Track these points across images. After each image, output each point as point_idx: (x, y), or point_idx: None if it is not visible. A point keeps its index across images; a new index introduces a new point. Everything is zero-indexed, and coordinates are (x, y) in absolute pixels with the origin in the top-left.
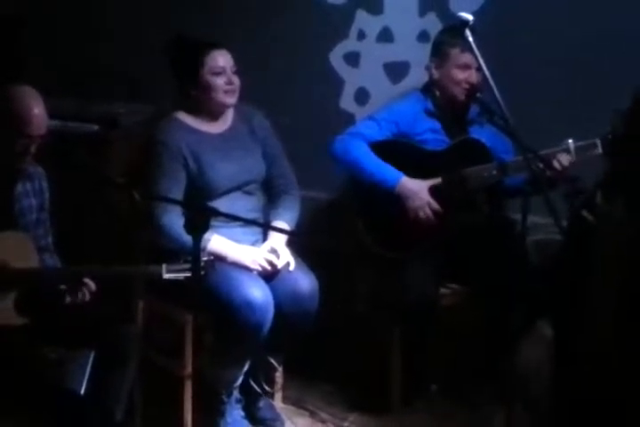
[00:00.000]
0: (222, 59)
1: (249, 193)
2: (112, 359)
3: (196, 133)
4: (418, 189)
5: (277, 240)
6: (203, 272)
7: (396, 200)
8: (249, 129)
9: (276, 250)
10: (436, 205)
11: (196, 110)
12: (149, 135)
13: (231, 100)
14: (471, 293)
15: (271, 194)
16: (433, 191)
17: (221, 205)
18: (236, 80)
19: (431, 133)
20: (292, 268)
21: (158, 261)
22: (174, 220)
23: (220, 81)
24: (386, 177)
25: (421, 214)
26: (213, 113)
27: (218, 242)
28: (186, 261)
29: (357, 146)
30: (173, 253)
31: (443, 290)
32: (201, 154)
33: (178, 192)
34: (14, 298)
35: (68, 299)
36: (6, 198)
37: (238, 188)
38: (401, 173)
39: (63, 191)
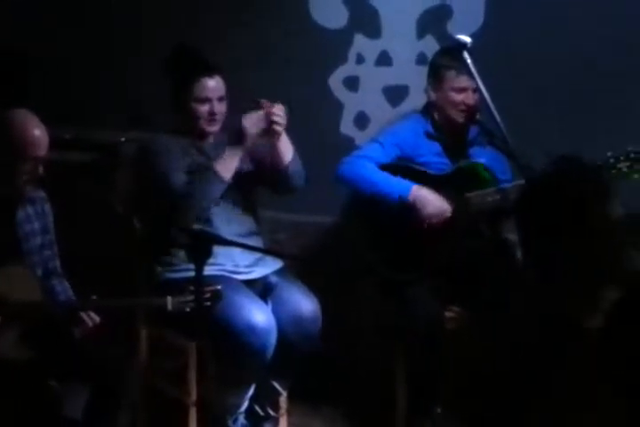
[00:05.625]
0: (210, 87)
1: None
2: (110, 393)
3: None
4: (434, 197)
5: None
6: (208, 303)
7: (403, 215)
8: None
9: None
10: (449, 214)
11: (180, 133)
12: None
13: (212, 128)
14: (474, 315)
15: None
16: None
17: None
18: (219, 109)
19: (433, 156)
20: None
21: (161, 289)
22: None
23: (202, 109)
24: (398, 188)
25: (436, 220)
26: (196, 137)
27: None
28: (191, 293)
29: (365, 165)
30: (175, 283)
31: (447, 313)
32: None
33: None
34: (19, 332)
35: (73, 332)
36: (8, 224)
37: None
38: (412, 183)
39: (64, 220)
